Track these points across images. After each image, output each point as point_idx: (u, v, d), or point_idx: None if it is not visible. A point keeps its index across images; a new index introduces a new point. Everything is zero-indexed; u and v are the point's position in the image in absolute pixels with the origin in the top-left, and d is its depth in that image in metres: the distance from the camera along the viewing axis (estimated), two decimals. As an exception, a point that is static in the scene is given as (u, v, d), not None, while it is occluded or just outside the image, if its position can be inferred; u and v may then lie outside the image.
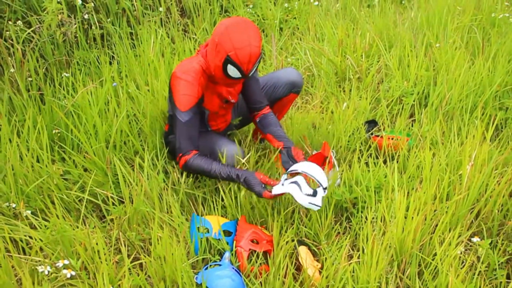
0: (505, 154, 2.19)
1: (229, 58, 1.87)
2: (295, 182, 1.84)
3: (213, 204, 2.05)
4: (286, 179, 1.89)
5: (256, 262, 1.82)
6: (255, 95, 2.21)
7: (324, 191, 1.85)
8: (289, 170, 1.93)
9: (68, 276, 1.65)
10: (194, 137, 2.01)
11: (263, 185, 1.88)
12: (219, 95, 2.10)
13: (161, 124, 2.39)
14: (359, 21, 3.70)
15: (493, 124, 2.35)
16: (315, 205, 1.80)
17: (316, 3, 3.97)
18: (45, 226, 1.86)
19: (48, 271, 1.65)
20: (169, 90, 2.04)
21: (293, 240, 1.87)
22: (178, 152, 2.00)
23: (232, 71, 1.91)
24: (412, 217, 1.81)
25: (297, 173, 1.93)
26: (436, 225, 1.92)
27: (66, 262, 1.68)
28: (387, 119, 2.68)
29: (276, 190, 1.85)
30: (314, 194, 1.82)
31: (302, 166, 1.91)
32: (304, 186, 1.83)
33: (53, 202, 1.94)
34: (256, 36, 1.89)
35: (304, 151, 2.40)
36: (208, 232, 1.89)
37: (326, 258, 1.80)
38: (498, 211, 1.99)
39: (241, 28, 1.87)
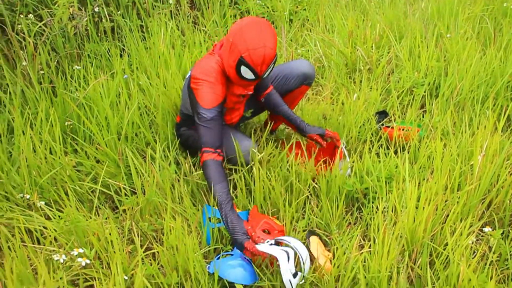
0: (517, 145, 2.18)
1: (243, 59, 1.84)
2: (286, 252, 1.69)
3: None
4: (271, 244, 1.74)
5: (268, 252, 1.83)
6: (263, 82, 2.22)
7: (301, 280, 1.70)
8: (277, 238, 1.79)
9: (83, 264, 1.67)
10: (218, 134, 1.93)
11: (247, 237, 1.75)
12: (237, 94, 2.09)
13: (172, 115, 2.41)
14: (369, 12, 3.68)
15: (504, 114, 2.34)
16: (291, 285, 1.65)
17: (326, -6, 3.95)
18: (59, 216, 1.89)
19: (64, 259, 1.68)
20: (188, 93, 2.00)
21: (304, 230, 1.87)
22: (202, 146, 1.92)
23: (246, 72, 1.88)
24: (423, 207, 1.81)
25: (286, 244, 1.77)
26: (447, 215, 1.92)
27: (80, 250, 1.70)
28: (397, 110, 2.68)
29: (262, 248, 1.70)
30: (294, 275, 1.66)
31: (294, 241, 1.75)
32: (292, 261, 1.67)
33: (66, 193, 1.96)
34: (271, 37, 1.85)
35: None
36: (220, 222, 1.90)
37: (337, 247, 1.80)
38: (509, 202, 1.98)
39: (257, 29, 1.83)
